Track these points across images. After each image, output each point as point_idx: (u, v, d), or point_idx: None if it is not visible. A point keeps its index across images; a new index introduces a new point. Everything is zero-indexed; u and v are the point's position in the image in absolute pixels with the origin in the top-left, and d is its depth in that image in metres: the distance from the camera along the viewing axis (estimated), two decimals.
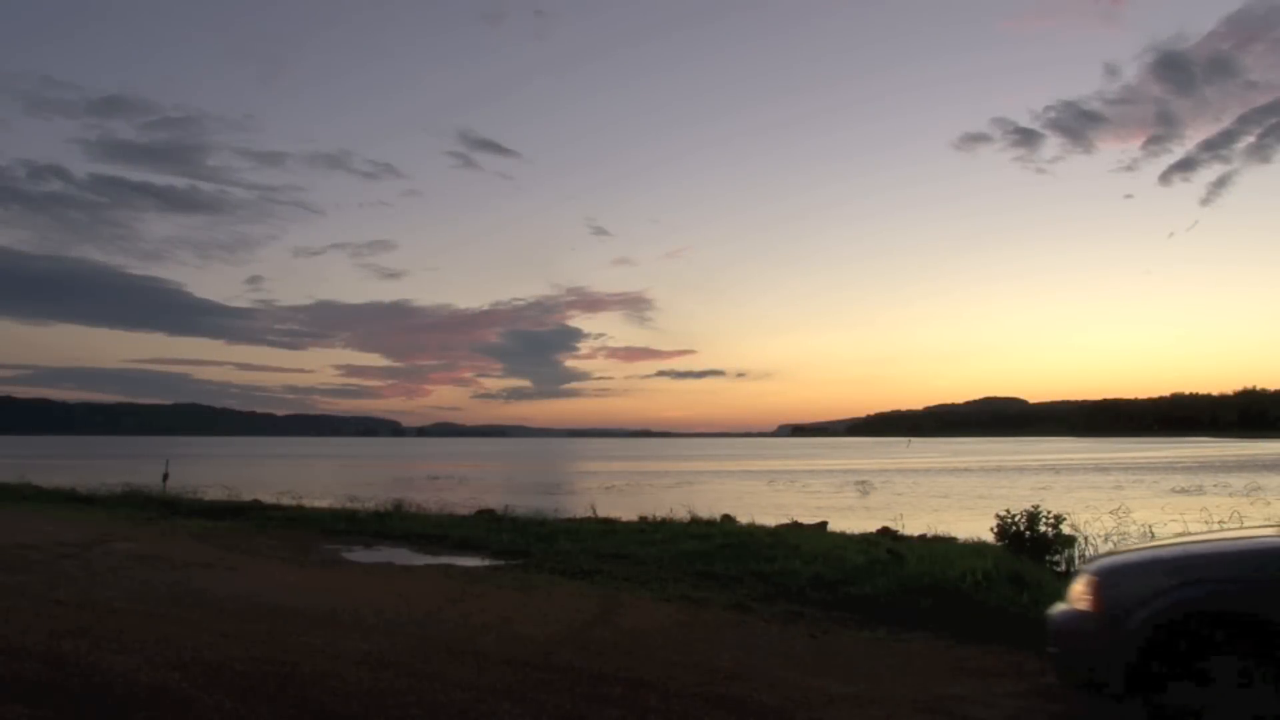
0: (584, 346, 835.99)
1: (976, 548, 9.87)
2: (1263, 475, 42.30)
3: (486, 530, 12.86)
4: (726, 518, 14.99)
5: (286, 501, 20.19)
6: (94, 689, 4.92)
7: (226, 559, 10.33)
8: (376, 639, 6.19)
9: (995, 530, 10.05)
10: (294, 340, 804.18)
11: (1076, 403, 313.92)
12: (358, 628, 6.60)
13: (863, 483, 41.26)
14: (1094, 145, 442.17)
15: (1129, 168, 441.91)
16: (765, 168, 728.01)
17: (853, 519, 19.70)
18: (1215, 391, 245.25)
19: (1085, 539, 10.34)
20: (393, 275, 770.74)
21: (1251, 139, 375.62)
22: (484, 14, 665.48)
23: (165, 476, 22.32)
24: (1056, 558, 9.49)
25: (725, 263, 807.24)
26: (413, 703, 4.68)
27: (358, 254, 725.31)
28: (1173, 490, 33.92)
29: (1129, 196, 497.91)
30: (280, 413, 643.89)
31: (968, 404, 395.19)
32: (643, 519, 14.59)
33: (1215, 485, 35.84)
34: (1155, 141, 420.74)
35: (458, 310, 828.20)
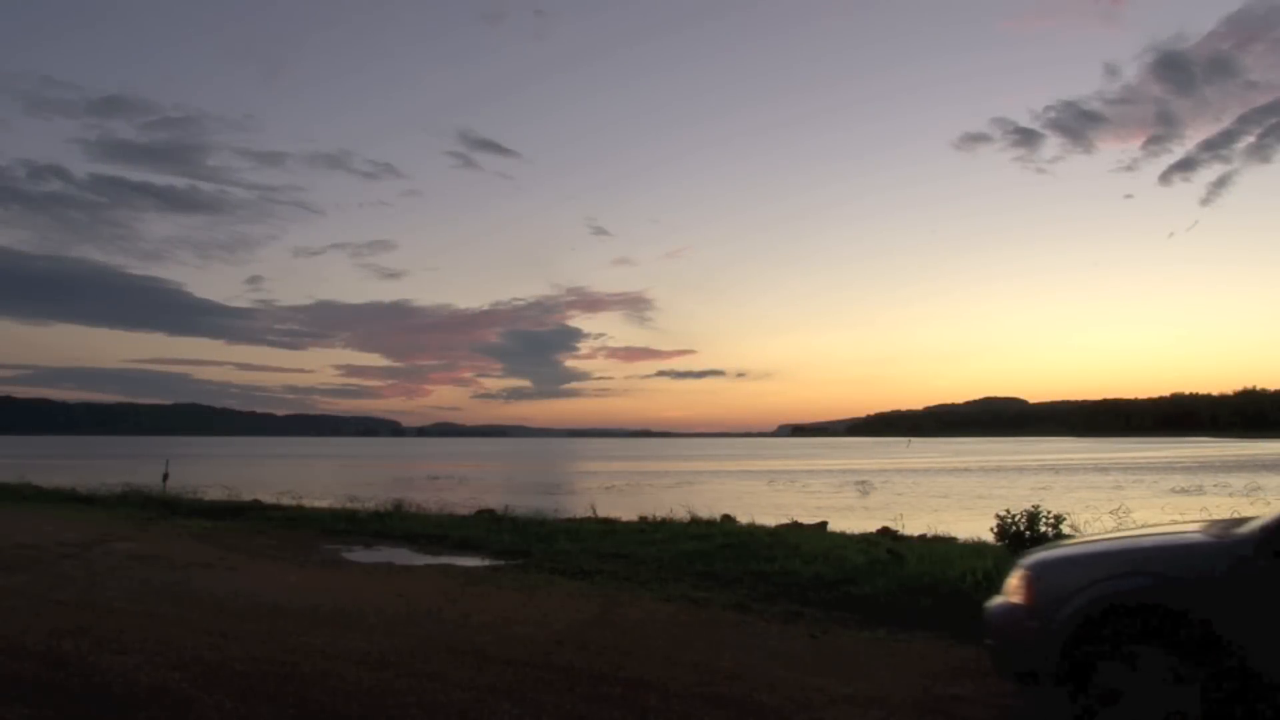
0: (584, 346, 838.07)
1: (976, 548, 9.87)
2: (1263, 475, 42.32)
3: (486, 530, 12.86)
4: (726, 518, 14.99)
5: (286, 501, 20.21)
6: (94, 689, 4.92)
7: (227, 559, 10.33)
8: (377, 639, 6.19)
9: (995, 530, 10.02)
10: (294, 340, 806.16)
11: (1076, 403, 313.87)
12: (358, 628, 6.60)
13: (863, 483, 41.26)
14: (1094, 145, 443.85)
15: (1129, 168, 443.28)
16: (765, 168, 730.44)
17: (853, 519, 19.69)
18: (1215, 391, 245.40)
19: None
20: (393, 275, 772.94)
21: (1251, 139, 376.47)
22: (484, 14, 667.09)
23: (165, 476, 22.32)
24: None
25: (725, 263, 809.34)
26: (413, 703, 4.68)
27: (358, 254, 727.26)
28: (1172, 490, 33.93)
29: (1129, 196, 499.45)
30: (280, 413, 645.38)
31: (968, 404, 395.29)
32: (643, 519, 14.60)
33: (1215, 485, 35.85)
34: (1155, 141, 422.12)
35: (458, 310, 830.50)
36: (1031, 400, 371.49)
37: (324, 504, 20.15)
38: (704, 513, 14.88)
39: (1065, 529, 9.84)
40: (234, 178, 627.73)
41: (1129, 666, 3.78)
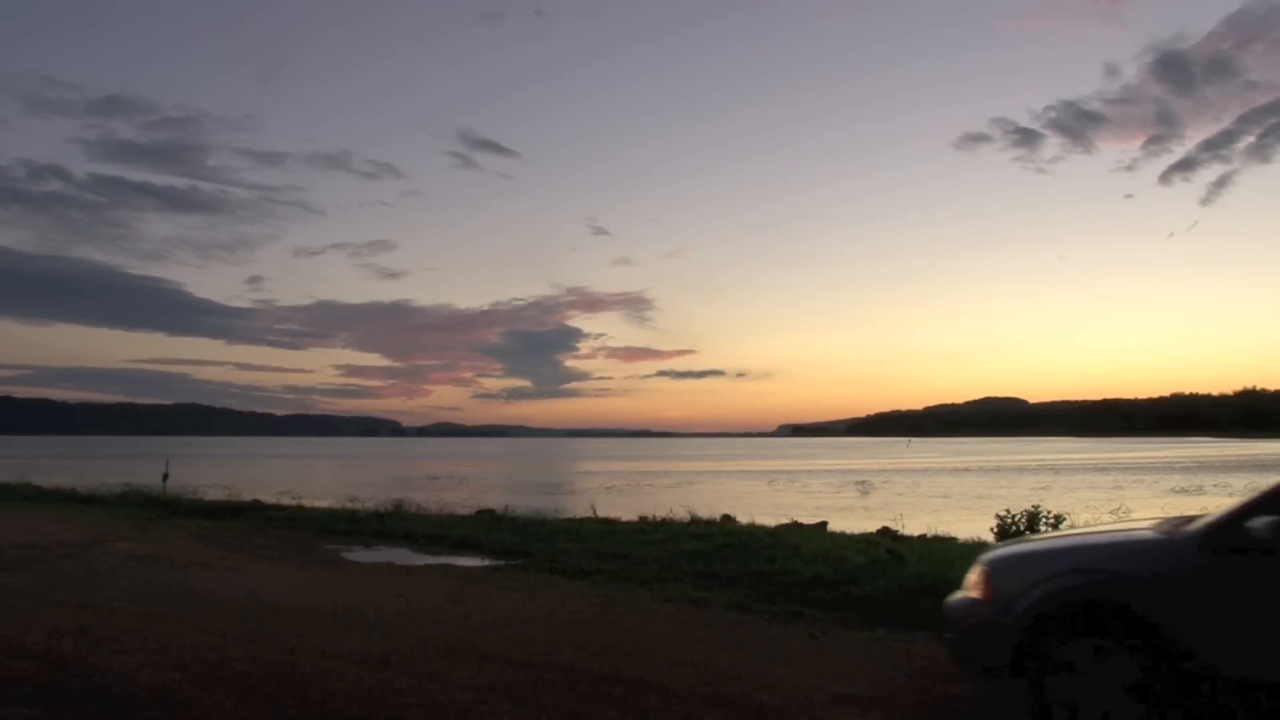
0: (584, 346, 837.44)
1: (977, 548, 9.86)
2: (1263, 475, 42.21)
3: (486, 530, 12.86)
4: (726, 518, 15.00)
5: (286, 501, 20.23)
6: (94, 689, 4.91)
7: (227, 559, 10.33)
8: (377, 639, 6.19)
9: (995, 530, 10.06)
10: (294, 340, 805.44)
11: (1076, 403, 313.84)
12: (358, 627, 6.60)
13: (863, 483, 41.29)
14: (1094, 145, 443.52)
15: (1129, 168, 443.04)
16: (765, 168, 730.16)
17: (853, 519, 19.70)
18: (1215, 391, 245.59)
19: None
20: (393, 275, 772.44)
21: (1251, 139, 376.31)
22: (484, 14, 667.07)
23: (165, 476, 22.33)
24: None
25: (725, 263, 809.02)
26: (413, 702, 4.68)
27: (358, 254, 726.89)
28: (1172, 490, 33.97)
29: (1129, 196, 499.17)
30: (280, 413, 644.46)
31: (968, 404, 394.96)
32: (643, 519, 14.61)
33: (1215, 485, 35.87)
34: (1155, 141, 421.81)
35: (458, 310, 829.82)
36: (1031, 400, 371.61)
37: (324, 504, 20.16)
38: (704, 513, 14.89)
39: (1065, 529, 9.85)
40: (234, 178, 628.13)
41: (1081, 660, 3.85)
